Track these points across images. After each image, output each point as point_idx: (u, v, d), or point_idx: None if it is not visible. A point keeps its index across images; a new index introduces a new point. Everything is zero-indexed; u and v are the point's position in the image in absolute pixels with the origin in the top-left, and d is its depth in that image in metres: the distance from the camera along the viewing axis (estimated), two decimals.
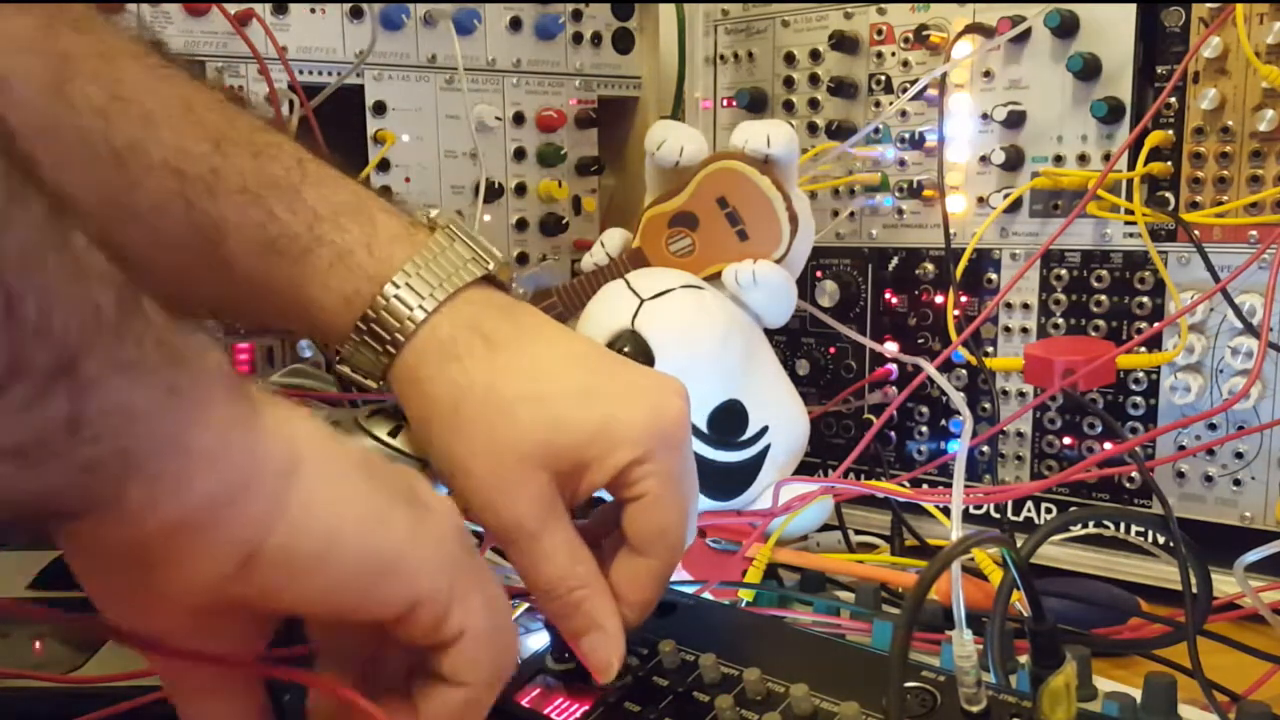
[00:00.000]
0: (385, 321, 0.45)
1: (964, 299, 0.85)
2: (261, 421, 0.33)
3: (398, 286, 0.45)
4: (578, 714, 0.47)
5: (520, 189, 0.99)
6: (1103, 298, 0.79)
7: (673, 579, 0.66)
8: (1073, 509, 0.81)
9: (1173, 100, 0.75)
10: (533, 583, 0.46)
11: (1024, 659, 0.50)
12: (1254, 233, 0.72)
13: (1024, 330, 0.83)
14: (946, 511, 0.75)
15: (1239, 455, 0.75)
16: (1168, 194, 0.76)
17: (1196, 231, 0.73)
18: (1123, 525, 0.78)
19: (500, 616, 0.40)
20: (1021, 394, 0.83)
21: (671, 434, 0.46)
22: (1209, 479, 0.76)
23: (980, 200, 0.84)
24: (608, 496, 0.48)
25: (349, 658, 0.41)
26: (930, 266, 0.87)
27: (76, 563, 0.35)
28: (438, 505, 0.39)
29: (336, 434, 0.37)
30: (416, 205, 0.52)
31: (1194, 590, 0.58)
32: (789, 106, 0.94)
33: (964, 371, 0.85)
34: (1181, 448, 0.76)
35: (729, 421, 0.73)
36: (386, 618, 0.37)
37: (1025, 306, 0.83)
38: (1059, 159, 0.80)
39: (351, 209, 0.46)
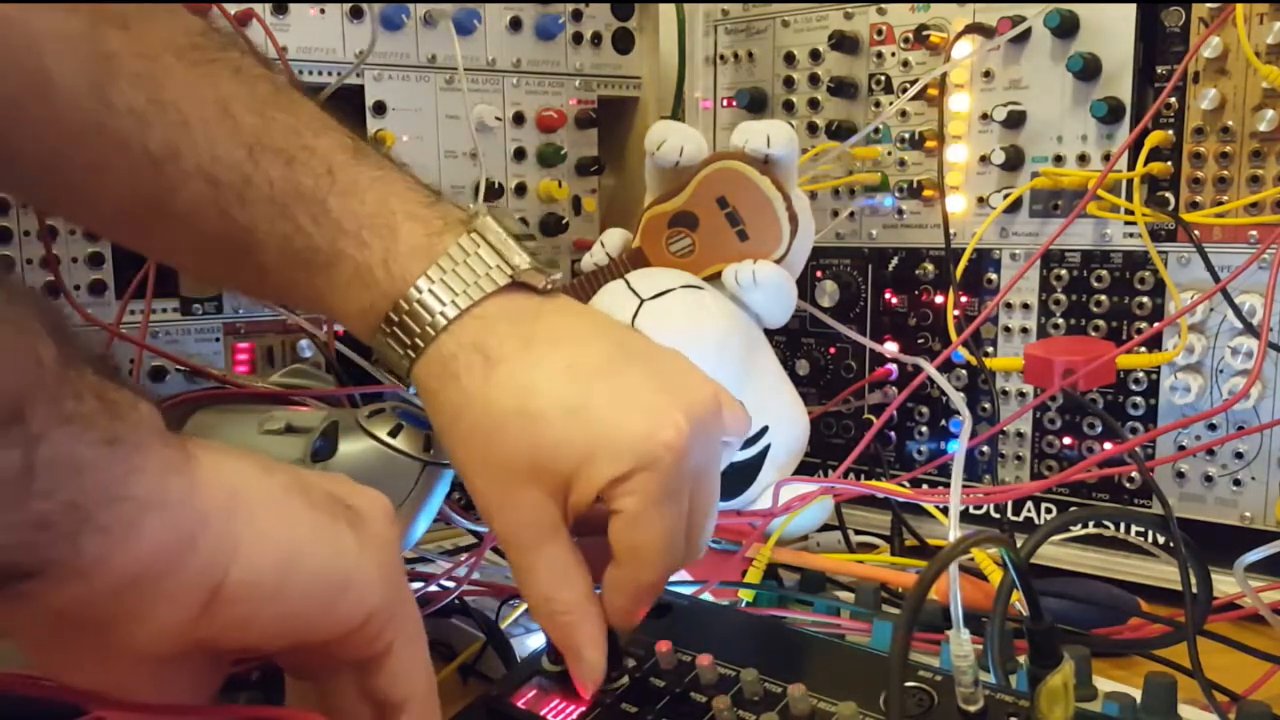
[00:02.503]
0: (398, 337, 0.46)
1: (964, 299, 0.85)
2: (196, 463, 0.34)
3: (409, 301, 0.46)
4: (574, 715, 0.47)
5: (520, 189, 0.99)
6: (1103, 298, 0.79)
7: (673, 579, 0.66)
8: (1073, 509, 0.81)
9: (1173, 100, 0.75)
10: (523, 594, 0.47)
11: (1024, 659, 0.50)
12: (1254, 233, 0.72)
13: (1024, 330, 0.83)
14: (946, 511, 0.74)
15: (1239, 455, 0.74)
16: (1168, 194, 0.76)
17: (1196, 231, 0.73)
18: (1123, 525, 0.78)
19: (420, 626, 0.41)
20: (1021, 394, 0.83)
21: (658, 456, 0.44)
22: (1209, 479, 0.76)
23: (980, 200, 0.84)
24: None
25: (314, 679, 0.41)
26: (930, 266, 0.87)
27: (24, 631, 0.34)
28: (371, 513, 0.40)
29: (265, 464, 0.37)
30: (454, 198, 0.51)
31: (1194, 590, 0.58)
32: (789, 106, 0.94)
33: (964, 371, 0.85)
34: (1181, 448, 0.76)
35: None
36: (343, 634, 0.38)
37: (1025, 306, 0.82)
38: (1059, 159, 0.80)
39: (375, 220, 0.46)
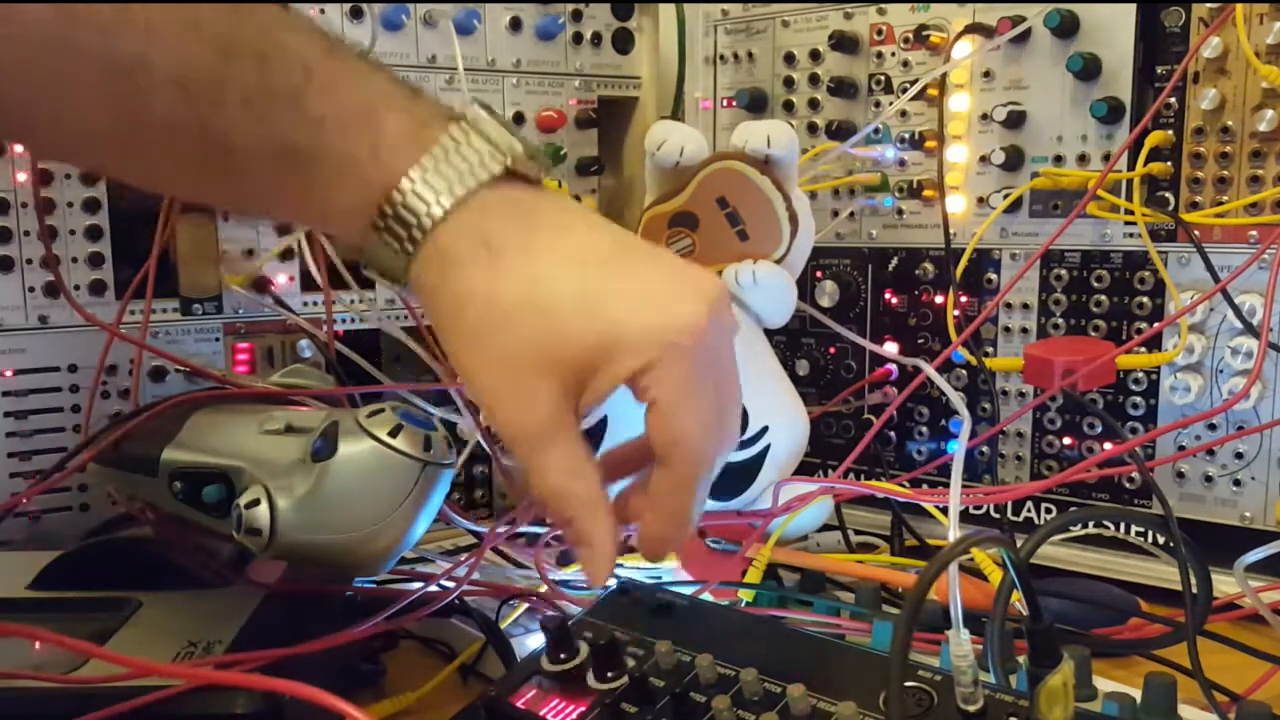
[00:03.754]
0: (394, 229, 0.44)
1: (964, 299, 0.85)
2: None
3: (402, 194, 0.44)
4: (573, 715, 0.47)
5: None
6: (1103, 298, 0.79)
7: (673, 579, 0.66)
8: (1073, 509, 0.81)
9: (1173, 100, 0.75)
10: (533, 490, 0.46)
11: (1024, 659, 0.50)
12: (1254, 233, 0.72)
13: (1024, 330, 0.83)
14: (946, 511, 0.74)
15: (1239, 455, 0.74)
16: (1168, 194, 0.76)
17: (1196, 231, 0.73)
18: (1123, 525, 0.78)
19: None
20: (1021, 394, 0.83)
21: (678, 340, 0.44)
22: (1209, 479, 0.76)
23: (980, 200, 0.84)
24: None
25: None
26: (930, 266, 0.87)
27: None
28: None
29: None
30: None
31: (1194, 590, 0.58)
32: (789, 107, 0.94)
33: (964, 371, 0.85)
34: (1181, 448, 0.76)
35: None
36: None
37: (1025, 306, 0.82)
38: (1059, 159, 0.80)
39: (358, 114, 0.44)
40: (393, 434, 0.57)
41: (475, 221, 0.44)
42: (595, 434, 0.74)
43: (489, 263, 0.44)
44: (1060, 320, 0.81)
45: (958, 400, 0.72)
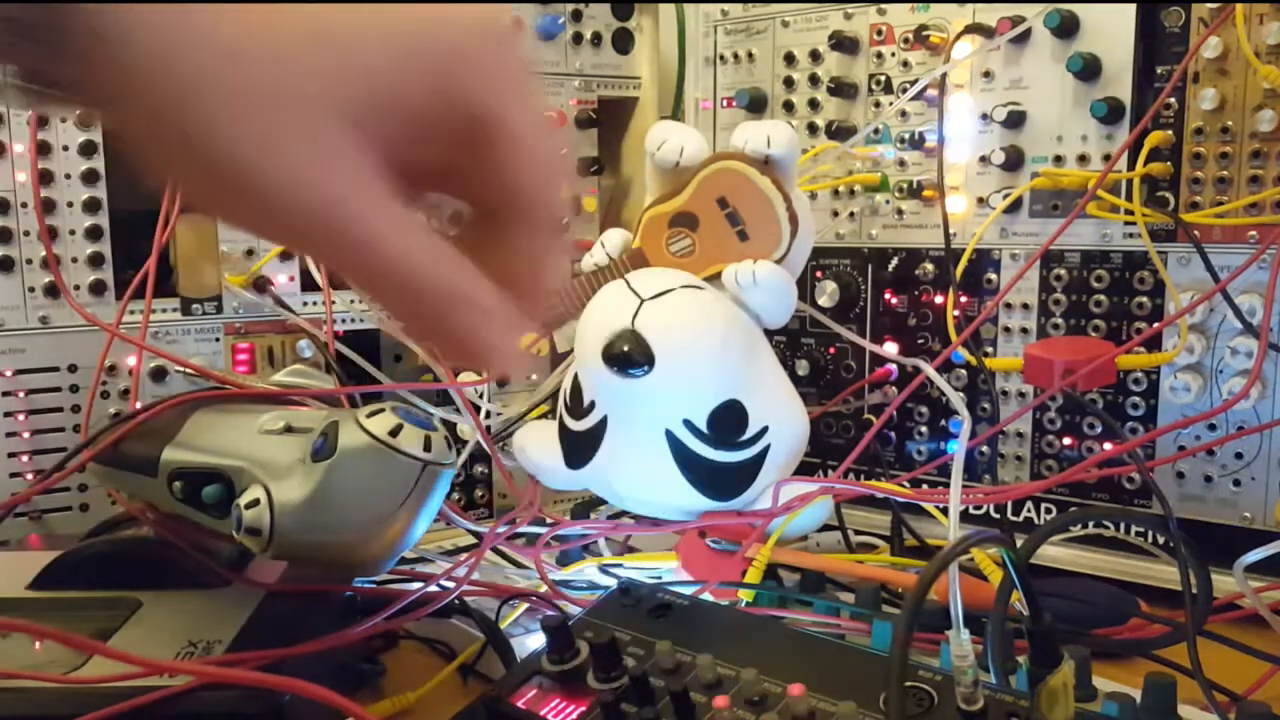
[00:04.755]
0: None
1: (964, 299, 0.85)
2: None
3: None
4: (573, 715, 0.47)
5: None
6: (1103, 298, 0.79)
7: (673, 579, 0.66)
8: (1073, 509, 0.81)
9: (1173, 100, 0.75)
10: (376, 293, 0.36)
11: (1024, 659, 0.50)
12: (1254, 233, 0.72)
13: (1024, 330, 0.83)
14: (946, 512, 0.75)
15: (1239, 456, 0.74)
16: (1168, 194, 0.76)
17: (1196, 231, 0.73)
18: (1123, 525, 0.78)
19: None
20: (1021, 394, 0.83)
21: (502, 33, 0.35)
22: (1209, 479, 0.76)
23: (980, 200, 0.84)
24: None
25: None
26: (930, 266, 0.87)
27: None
28: None
29: None
30: None
31: (1194, 590, 0.58)
32: (789, 107, 0.94)
33: (964, 371, 0.85)
34: (1181, 448, 0.75)
35: (729, 421, 0.73)
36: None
37: (1025, 307, 0.82)
38: (1059, 159, 0.80)
39: None
40: (393, 434, 0.57)
41: None
42: (595, 434, 0.74)
43: None
44: (1060, 320, 0.81)
45: (958, 400, 0.72)
